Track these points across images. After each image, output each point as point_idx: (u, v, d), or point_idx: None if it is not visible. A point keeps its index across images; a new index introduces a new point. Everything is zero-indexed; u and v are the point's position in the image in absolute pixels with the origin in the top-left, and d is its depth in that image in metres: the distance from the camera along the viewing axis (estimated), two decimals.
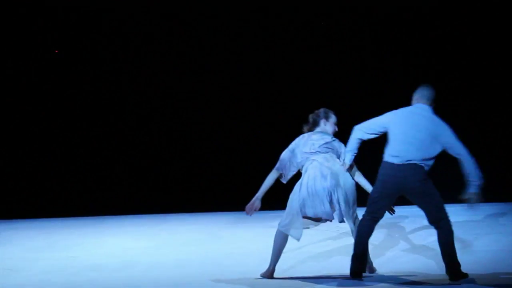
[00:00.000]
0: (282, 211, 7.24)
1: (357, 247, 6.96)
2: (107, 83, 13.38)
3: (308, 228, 9.32)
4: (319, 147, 7.32)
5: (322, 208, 7.07)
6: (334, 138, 7.46)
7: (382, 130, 7.10)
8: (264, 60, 13.00)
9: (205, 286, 7.05)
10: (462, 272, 6.83)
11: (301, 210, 7.10)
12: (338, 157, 7.35)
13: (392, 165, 6.91)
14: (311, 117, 7.59)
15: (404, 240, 9.12)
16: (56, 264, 8.50)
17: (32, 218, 12.73)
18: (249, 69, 12.97)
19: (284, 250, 7.30)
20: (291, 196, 7.21)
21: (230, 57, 13.10)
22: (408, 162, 6.88)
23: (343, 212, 7.09)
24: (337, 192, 7.08)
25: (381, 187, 6.95)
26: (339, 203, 7.06)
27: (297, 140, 7.46)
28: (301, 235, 7.15)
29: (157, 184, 12.86)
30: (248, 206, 7.27)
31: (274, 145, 8.18)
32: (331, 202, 7.07)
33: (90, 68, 13.38)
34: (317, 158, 7.23)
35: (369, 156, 7.45)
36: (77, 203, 13.15)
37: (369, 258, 7.29)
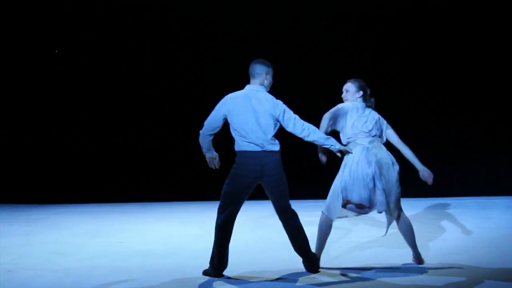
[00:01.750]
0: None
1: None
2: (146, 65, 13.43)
3: (346, 217, 9.30)
4: (373, 127, 7.18)
5: (363, 194, 6.98)
6: (379, 116, 7.31)
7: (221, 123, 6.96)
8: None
9: (251, 273, 7.05)
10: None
11: (341, 193, 7.02)
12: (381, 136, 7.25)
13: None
14: (362, 86, 7.31)
15: (452, 232, 9.06)
16: (104, 249, 8.58)
17: (80, 203, 12.87)
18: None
19: (330, 239, 7.29)
20: (335, 180, 7.13)
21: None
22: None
23: (382, 202, 7.00)
24: (380, 181, 6.99)
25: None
26: (381, 192, 6.96)
27: (348, 105, 7.24)
28: (336, 215, 7.08)
29: (204, 172, 12.89)
30: None
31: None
32: (372, 189, 6.98)
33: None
34: (363, 142, 7.11)
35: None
36: (124, 189, 13.25)
37: (417, 249, 7.22)
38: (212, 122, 6.94)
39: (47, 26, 13.47)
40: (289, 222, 6.96)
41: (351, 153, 7.03)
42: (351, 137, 7.15)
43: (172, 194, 13.00)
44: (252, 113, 6.84)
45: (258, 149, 6.83)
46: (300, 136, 6.92)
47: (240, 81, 7.09)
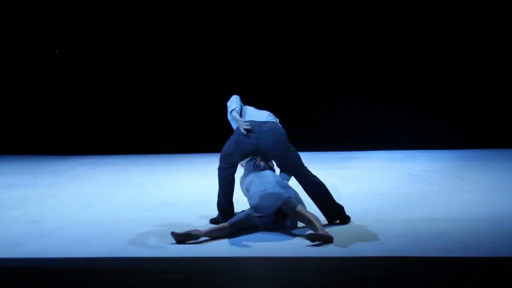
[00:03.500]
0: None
1: None
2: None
3: None
4: None
5: None
6: None
7: None
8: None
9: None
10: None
11: None
12: None
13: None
14: None
15: (474, 184, 9.03)
16: (128, 200, 8.64)
17: (104, 155, 12.93)
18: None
19: None
20: None
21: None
22: None
23: None
24: None
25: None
26: None
27: None
28: None
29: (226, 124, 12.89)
30: None
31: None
32: None
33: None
34: None
35: None
36: (148, 141, 13.29)
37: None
38: None
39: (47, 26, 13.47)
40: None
41: None
42: None
43: (197, 146, 13.01)
44: None
45: None
46: None
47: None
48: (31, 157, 12.94)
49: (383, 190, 8.70)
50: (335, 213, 7.06)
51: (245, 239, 6.56)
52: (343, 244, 6.27)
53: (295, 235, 6.63)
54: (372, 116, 12.54)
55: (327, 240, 6.28)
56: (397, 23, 12.47)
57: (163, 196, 8.89)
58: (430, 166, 10.46)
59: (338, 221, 7.05)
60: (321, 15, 12.62)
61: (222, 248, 6.34)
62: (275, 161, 7.22)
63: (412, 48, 12.49)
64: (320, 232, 6.35)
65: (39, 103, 13.68)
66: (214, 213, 7.50)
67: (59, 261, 6.12)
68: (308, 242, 6.28)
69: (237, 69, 12.99)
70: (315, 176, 7.08)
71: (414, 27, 12.46)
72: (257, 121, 7.05)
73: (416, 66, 12.48)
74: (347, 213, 7.11)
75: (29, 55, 13.66)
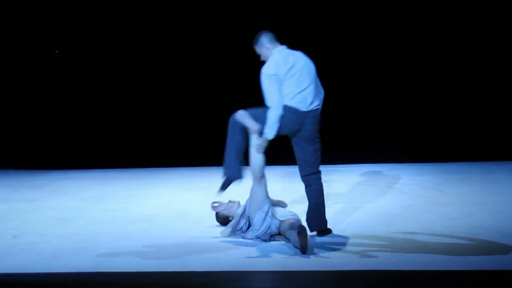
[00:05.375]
0: None
1: None
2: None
3: None
4: None
5: None
6: None
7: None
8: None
9: None
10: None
11: None
12: None
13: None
14: None
15: (454, 197, 9.07)
16: (109, 215, 8.62)
17: (85, 169, 12.89)
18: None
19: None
20: None
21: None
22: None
23: None
24: None
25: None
26: None
27: None
28: None
29: (208, 137, 12.90)
30: None
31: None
32: None
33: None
34: None
35: None
36: (128, 155, 13.25)
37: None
38: None
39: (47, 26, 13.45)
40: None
41: None
42: None
43: (176, 159, 12.99)
44: None
45: None
46: None
47: None
48: (12, 172, 12.88)
49: (364, 203, 8.73)
50: (322, 223, 7.08)
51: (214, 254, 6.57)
52: (323, 258, 6.28)
53: (271, 249, 6.66)
54: (353, 130, 12.57)
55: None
56: (382, 35, 12.54)
57: (144, 210, 8.88)
58: (410, 179, 10.50)
59: (317, 232, 7.06)
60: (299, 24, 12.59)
61: (198, 262, 6.34)
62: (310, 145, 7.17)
63: (392, 64, 12.55)
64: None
65: (19, 117, 13.61)
66: (195, 226, 7.51)
67: (40, 276, 6.10)
68: (285, 254, 6.34)
69: (216, 82, 12.99)
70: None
71: (397, 39, 12.53)
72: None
73: (397, 79, 12.54)
74: (328, 225, 7.13)
75: (6, 69, 13.60)
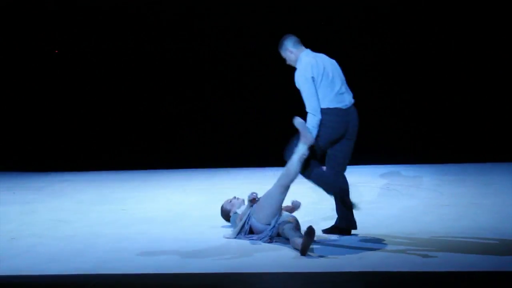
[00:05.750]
0: None
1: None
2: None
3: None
4: None
5: None
6: None
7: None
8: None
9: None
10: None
11: None
12: None
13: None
14: None
15: (452, 198, 9.07)
16: (107, 216, 8.60)
17: (83, 171, 12.86)
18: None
19: None
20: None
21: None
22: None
23: None
24: None
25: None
26: None
27: None
28: None
29: (207, 139, 12.88)
30: None
31: None
32: None
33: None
34: None
35: None
36: (127, 157, 13.23)
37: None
38: None
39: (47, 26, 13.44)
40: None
41: None
42: None
43: (174, 161, 12.98)
44: None
45: None
46: None
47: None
48: (9, 174, 12.85)
49: (362, 205, 8.69)
50: (349, 219, 7.10)
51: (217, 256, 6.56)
52: (322, 259, 6.28)
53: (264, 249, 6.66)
54: None
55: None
56: (381, 35, 12.54)
57: (143, 212, 8.86)
58: (409, 180, 10.49)
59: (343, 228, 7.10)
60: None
61: (197, 264, 6.33)
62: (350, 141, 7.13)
63: (390, 65, 12.55)
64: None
65: (17, 119, 13.59)
66: (194, 228, 7.49)
67: (38, 278, 6.10)
68: (285, 255, 6.35)
69: (214, 84, 12.97)
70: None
71: (392, 44, 12.53)
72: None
73: (396, 81, 12.54)
74: (328, 226, 7.14)
75: (5, 69, 13.58)
